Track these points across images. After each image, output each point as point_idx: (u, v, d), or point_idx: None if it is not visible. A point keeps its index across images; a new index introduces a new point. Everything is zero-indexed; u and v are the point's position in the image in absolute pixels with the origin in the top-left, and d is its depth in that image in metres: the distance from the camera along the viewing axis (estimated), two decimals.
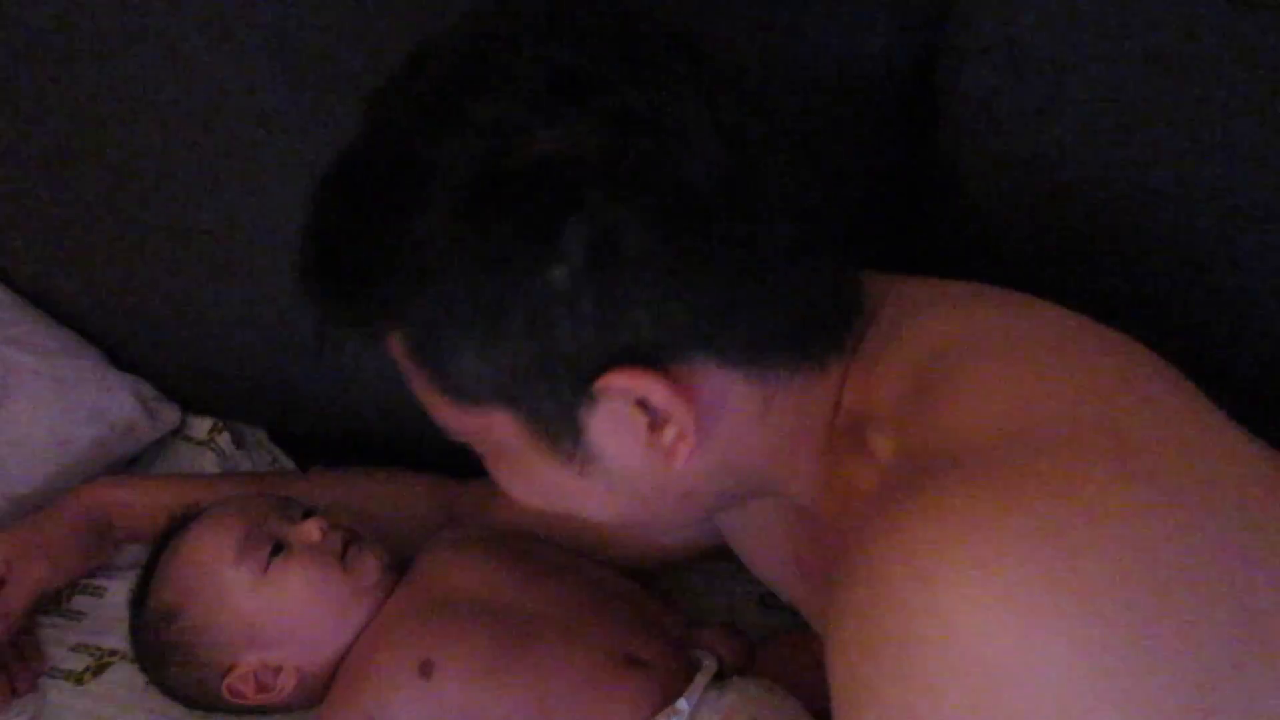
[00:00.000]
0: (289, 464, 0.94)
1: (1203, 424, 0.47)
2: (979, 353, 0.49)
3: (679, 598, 0.82)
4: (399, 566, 0.76)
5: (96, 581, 0.84)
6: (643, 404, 0.49)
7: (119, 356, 0.94)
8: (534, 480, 0.56)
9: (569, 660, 0.69)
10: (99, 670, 0.79)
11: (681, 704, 0.68)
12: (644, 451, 0.51)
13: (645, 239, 0.46)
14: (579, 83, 0.47)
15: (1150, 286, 0.68)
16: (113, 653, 0.80)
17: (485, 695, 0.68)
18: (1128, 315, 0.64)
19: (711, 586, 0.83)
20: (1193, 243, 0.66)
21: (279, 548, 0.73)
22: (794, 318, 0.51)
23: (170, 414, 0.94)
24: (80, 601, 0.83)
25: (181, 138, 0.84)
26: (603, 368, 0.48)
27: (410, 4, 0.74)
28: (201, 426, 0.94)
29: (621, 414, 0.50)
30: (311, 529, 0.73)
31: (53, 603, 0.83)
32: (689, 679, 0.69)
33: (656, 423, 0.50)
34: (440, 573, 0.75)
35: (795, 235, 0.49)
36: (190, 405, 0.95)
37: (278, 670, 0.73)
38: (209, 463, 0.92)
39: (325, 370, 0.89)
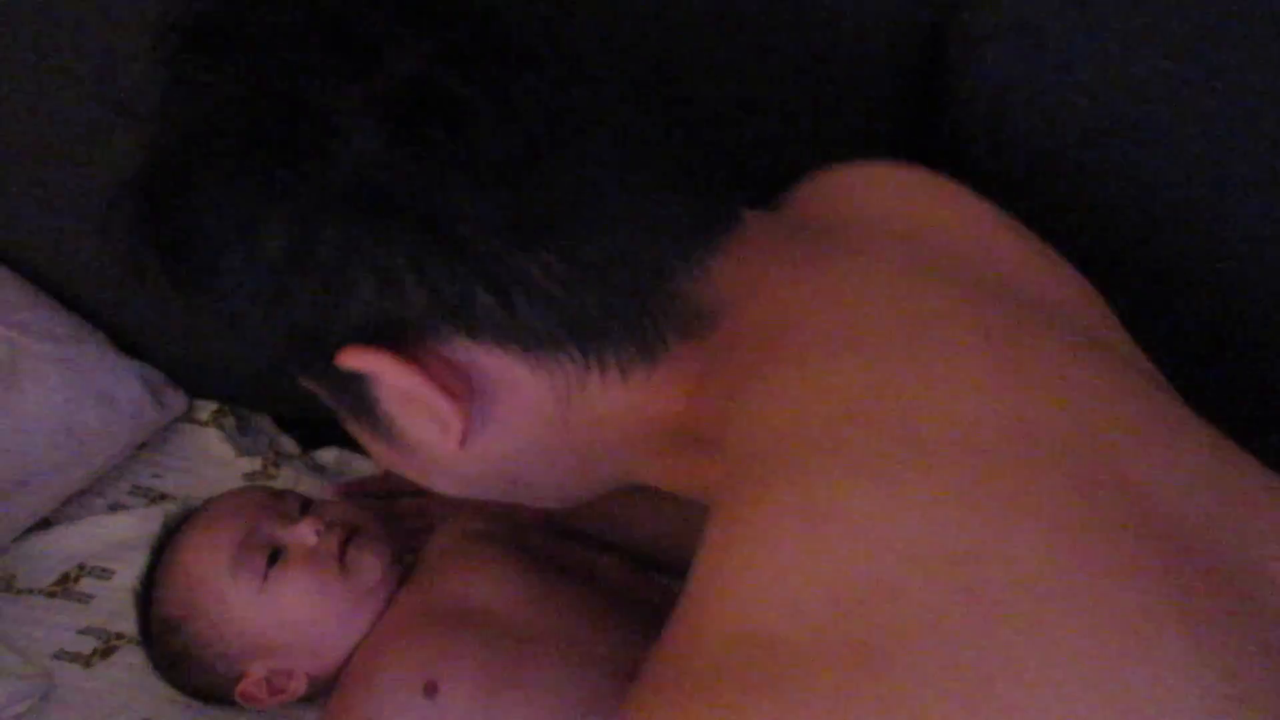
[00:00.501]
0: (293, 449, 0.94)
1: (1051, 611, 0.38)
2: (794, 477, 0.42)
3: None
4: (401, 561, 0.75)
5: (104, 565, 0.83)
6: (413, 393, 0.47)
7: (124, 343, 0.94)
8: (372, 448, 0.55)
9: (575, 680, 0.68)
10: (106, 654, 0.79)
11: None
12: (433, 431, 0.49)
13: (339, 225, 0.44)
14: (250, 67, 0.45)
15: (1163, 268, 0.68)
16: (120, 636, 0.79)
17: (490, 716, 0.67)
18: (1138, 297, 0.64)
19: None
20: (1208, 224, 0.66)
21: (275, 554, 0.72)
22: (569, 312, 0.46)
23: (177, 400, 0.93)
24: (88, 584, 0.83)
25: None
26: (340, 345, 0.46)
27: None
28: (206, 409, 0.94)
29: (400, 394, 0.48)
30: (307, 533, 0.72)
31: (59, 585, 0.83)
32: None
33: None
34: (448, 578, 0.73)
35: (546, 217, 0.45)
36: (195, 392, 0.95)
37: (289, 675, 0.72)
38: (215, 441, 0.91)
39: None
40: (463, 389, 0.47)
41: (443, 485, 0.56)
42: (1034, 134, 0.68)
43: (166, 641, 0.74)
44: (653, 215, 0.47)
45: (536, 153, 0.45)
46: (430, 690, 0.67)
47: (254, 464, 0.90)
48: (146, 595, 0.76)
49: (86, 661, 0.78)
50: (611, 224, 0.46)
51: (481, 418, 0.48)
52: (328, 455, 0.93)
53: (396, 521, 0.81)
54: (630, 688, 0.41)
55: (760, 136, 0.69)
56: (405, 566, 0.75)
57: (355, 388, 0.49)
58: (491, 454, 0.50)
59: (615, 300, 0.46)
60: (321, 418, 0.93)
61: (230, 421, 0.94)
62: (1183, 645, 0.38)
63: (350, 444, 0.91)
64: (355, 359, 0.46)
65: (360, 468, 0.92)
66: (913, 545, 0.39)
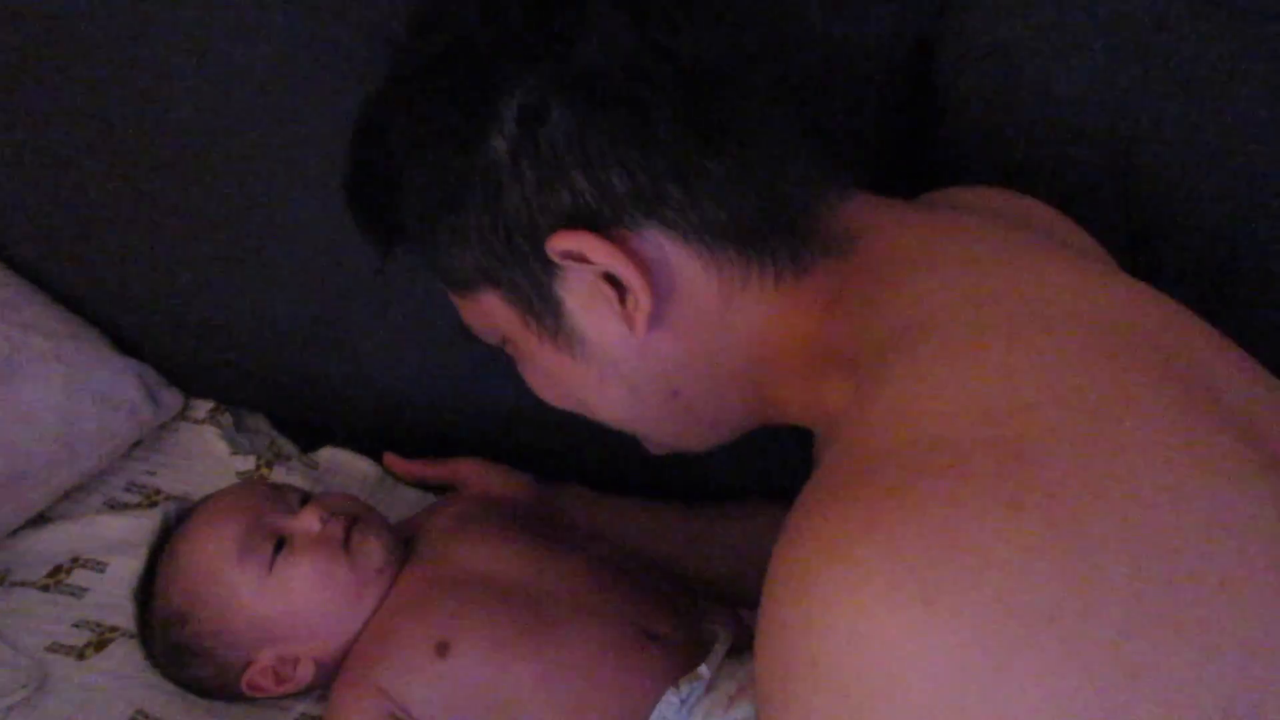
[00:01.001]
0: (290, 448, 0.95)
1: (1148, 428, 0.45)
2: (933, 338, 0.50)
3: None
4: (403, 547, 0.77)
5: (98, 557, 0.84)
6: (609, 278, 0.54)
7: (121, 342, 0.95)
8: (544, 373, 0.61)
9: (584, 636, 0.69)
10: (100, 646, 0.79)
11: (703, 669, 0.68)
12: (616, 326, 0.55)
13: (565, 115, 0.52)
14: None
15: (1145, 280, 0.70)
16: (114, 629, 0.80)
17: (501, 673, 0.68)
18: None
19: None
20: (1187, 238, 0.68)
21: (280, 543, 0.73)
22: (738, 212, 0.53)
23: (173, 399, 0.95)
24: (81, 576, 0.83)
25: (187, 125, 0.85)
26: (550, 231, 0.53)
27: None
28: (203, 407, 0.95)
29: (590, 285, 0.55)
30: (311, 520, 0.73)
31: (52, 578, 0.84)
32: (704, 653, 0.69)
33: (623, 295, 0.54)
34: (451, 552, 0.75)
35: (727, 123, 0.53)
36: (191, 391, 0.96)
37: (295, 662, 0.73)
38: (213, 439, 0.93)
39: (326, 358, 0.91)
40: (650, 275, 0.54)
41: (614, 401, 0.60)
42: (1015, 151, 0.70)
43: (171, 635, 0.74)
44: (804, 150, 0.56)
45: (725, 74, 0.53)
46: (442, 650, 0.69)
47: (248, 463, 0.91)
48: (146, 591, 0.76)
49: (80, 654, 0.79)
50: (776, 146, 0.55)
51: (660, 312, 0.55)
52: (323, 455, 0.94)
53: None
54: (796, 505, 0.46)
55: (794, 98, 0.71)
56: (401, 557, 0.76)
57: (544, 290, 0.56)
58: (663, 354, 0.57)
59: (775, 208, 0.54)
60: (317, 418, 0.96)
61: (227, 419, 0.95)
62: (1246, 475, 0.44)
63: (345, 444, 0.95)
64: (566, 240, 0.53)
65: (353, 468, 0.93)
66: (1043, 378, 0.46)
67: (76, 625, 0.81)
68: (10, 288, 0.92)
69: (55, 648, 0.79)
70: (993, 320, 0.50)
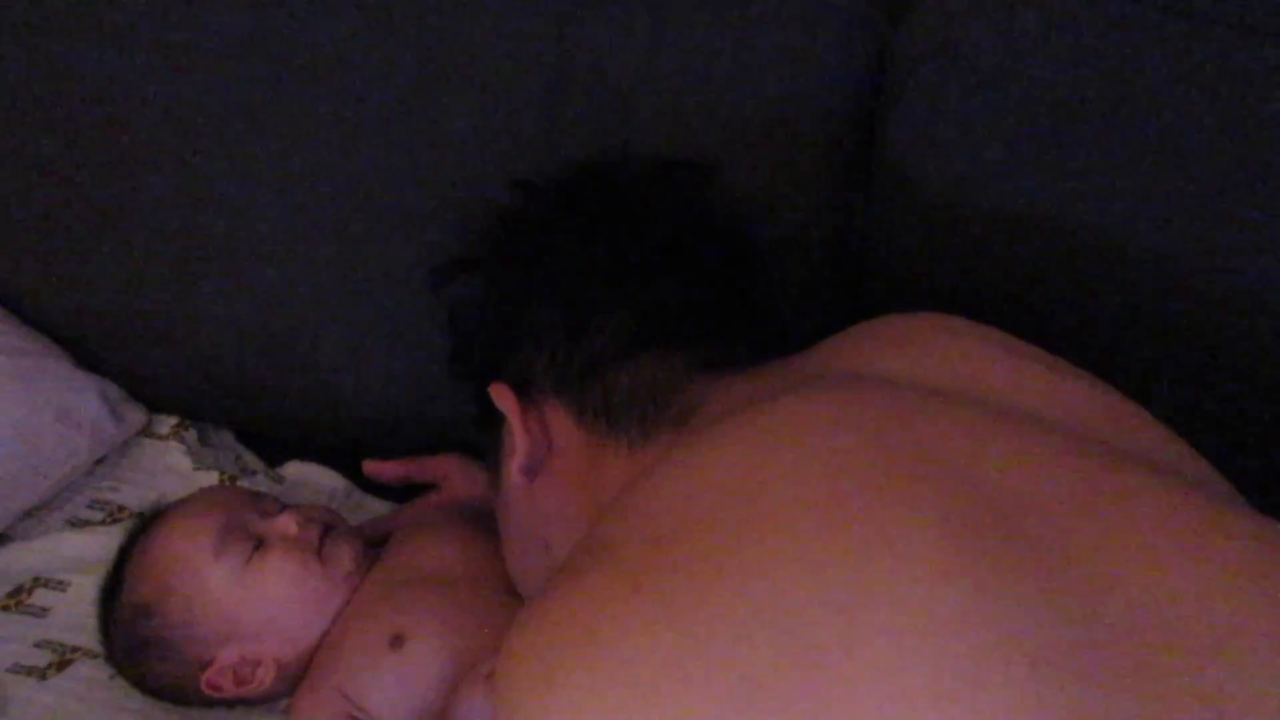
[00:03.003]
0: (256, 463, 0.94)
1: (812, 506, 0.47)
2: (690, 447, 0.54)
3: None
4: (370, 554, 0.78)
5: (59, 577, 0.83)
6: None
7: (83, 358, 0.94)
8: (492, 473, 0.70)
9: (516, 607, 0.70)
10: (62, 667, 0.79)
11: None
12: (513, 469, 0.64)
13: (536, 310, 0.66)
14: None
15: (1090, 284, 0.71)
16: (75, 649, 0.79)
17: (456, 662, 0.69)
18: (1065, 312, 0.67)
19: None
20: (1127, 236, 0.69)
21: (256, 542, 0.74)
22: (616, 392, 0.62)
23: (136, 415, 0.94)
24: (42, 596, 0.83)
25: (149, 138, 0.84)
26: (496, 376, 0.66)
27: (420, 26, 0.76)
28: (166, 423, 0.95)
29: (510, 434, 0.65)
30: (289, 523, 0.74)
31: (13, 598, 0.83)
32: None
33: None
34: (407, 551, 0.77)
35: (649, 331, 0.64)
36: (154, 407, 0.96)
37: (256, 664, 0.73)
38: (177, 455, 0.92)
39: (292, 371, 0.91)
40: (542, 437, 0.64)
41: (502, 526, 0.71)
42: (965, 150, 0.70)
43: (136, 628, 0.74)
44: (686, 356, 0.64)
45: (678, 310, 0.66)
46: (396, 642, 0.70)
47: (211, 477, 0.90)
48: (112, 589, 0.76)
49: (42, 675, 0.78)
50: (668, 357, 0.64)
51: (547, 466, 0.64)
52: (290, 469, 0.94)
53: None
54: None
55: (703, 153, 0.72)
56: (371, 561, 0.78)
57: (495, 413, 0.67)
58: (540, 502, 0.65)
59: (655, 401, 0.62)
60: (283, 432, 0.96)
61: (191, 435, 0.94)
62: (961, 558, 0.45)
63: (311, 457, 0.94)
64: (497, 391, 0.66)
65: (319, 482, 0.93)
66: (710, 478, 0.50)
67: (38, 645, 0.80)
68: None
69: (17, 668, 0.79)
70: (734, 431, 0.54)
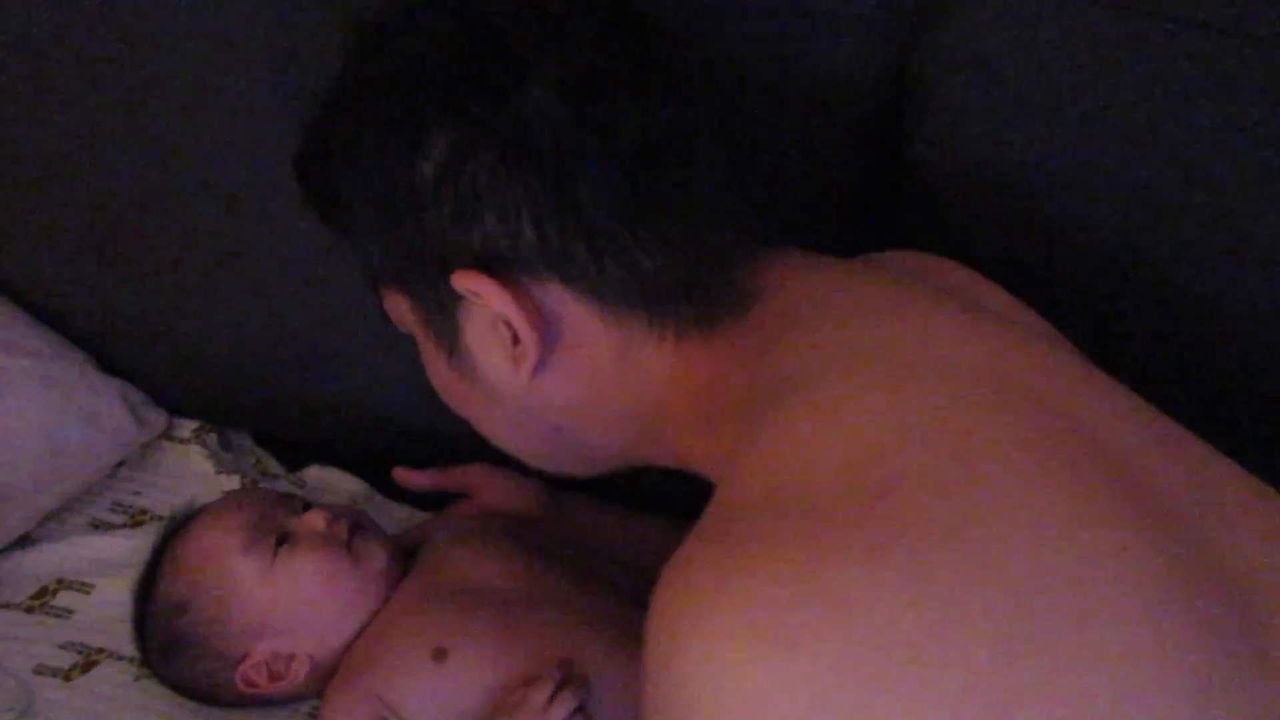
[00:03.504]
0: (276, 467, 0.95)
1: (1012, 475, 0.46)
2: (803, 390, 0.51)
3: None
4: (404, 557, 0.78)
5: (84, 579, 0.84)
6: (505, 320, 0.56)
7: (106, 361, 0.95)
8: (438, 378, 0.63)
9: (580, 644, 0.70)
10: (87, 668, 0.79)
11: None
12: (505, 364, 0.57)
13: (489, 161, 0.54)
14: (468, 21, 0.56)
15: (1115, 292, 0.71)
16: (100, 650, 0.80)
17: (498, 680, 0.69)
18: (1091, 320, 0.68)
19: None
20: (1145, 244, 0.70)
21: (284, 538, 0.74)
22: (646, 276, 0.55)
23: (157, 419, 0.95)
24: (67, 598, 0.83)
25: (172, 145, 0.85)
26: (458, 265, 0.55)
27: None
28: (187, 426, 0.95)
29: (486, 322, 0.57)
30: (316, 519, 0.75)
31: (37, 600, 0.83)
32: None
33: (516, 339, 0.56)
34: (450, 563, 0.76)
35: (648, 196, 0.55)
36: (176, 410, 0.96)
37: (290, 658, 0.74)
38: (198, 458, 0.93)
39: (311, 375, 0.91)
40: (543, 326, 0.56)
41: (495, 426, 0.64)
42: (990, 163, 0.71)
43: (169, 625, 0.75)
44: (723, 214, 0.58)
45: (658, 149, 0.55)
46: (440, 656, 0.70)
47: (233, 481, 0.91)
48: (147, 586, 0.77)
49: (66, 676, 0.79)
50: (694, 213, 0.56)
51: (551, 359, 0.57)
52: (310, 474, 0.94)
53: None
54: (674, 553, 0.46)
55: (731, 165, 0.73)
56: (403, 564, 0.78)
57: (447, 311, 0.58)
58: (549, 397, 0.58)
59: (687, 275, 0.56)
60: (303, 436, 0.96)
61: (213, 439, 0.95)
62: (1119, 513, 0.46)
63: (333, 462, 0.95)
64: (466, 280, 0.55)
65: (340, 486, 0.93)
66: (906, 423, 0.48)
67: (63, 647, 0.80)
68: None
69: (42, 669, 0.79)
70: (862, 370, 0.52)
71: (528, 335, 0.55)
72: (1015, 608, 0.42)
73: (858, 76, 0.73)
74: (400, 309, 0.62)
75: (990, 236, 0.72)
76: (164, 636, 0.75)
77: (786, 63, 0.73)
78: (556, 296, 0.56)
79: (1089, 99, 0.68)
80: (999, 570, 0.42)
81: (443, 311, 0.58)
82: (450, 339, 0.59)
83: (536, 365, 0.56)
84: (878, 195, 0.78)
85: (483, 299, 0.55)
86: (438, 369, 0.62)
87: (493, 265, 0.55)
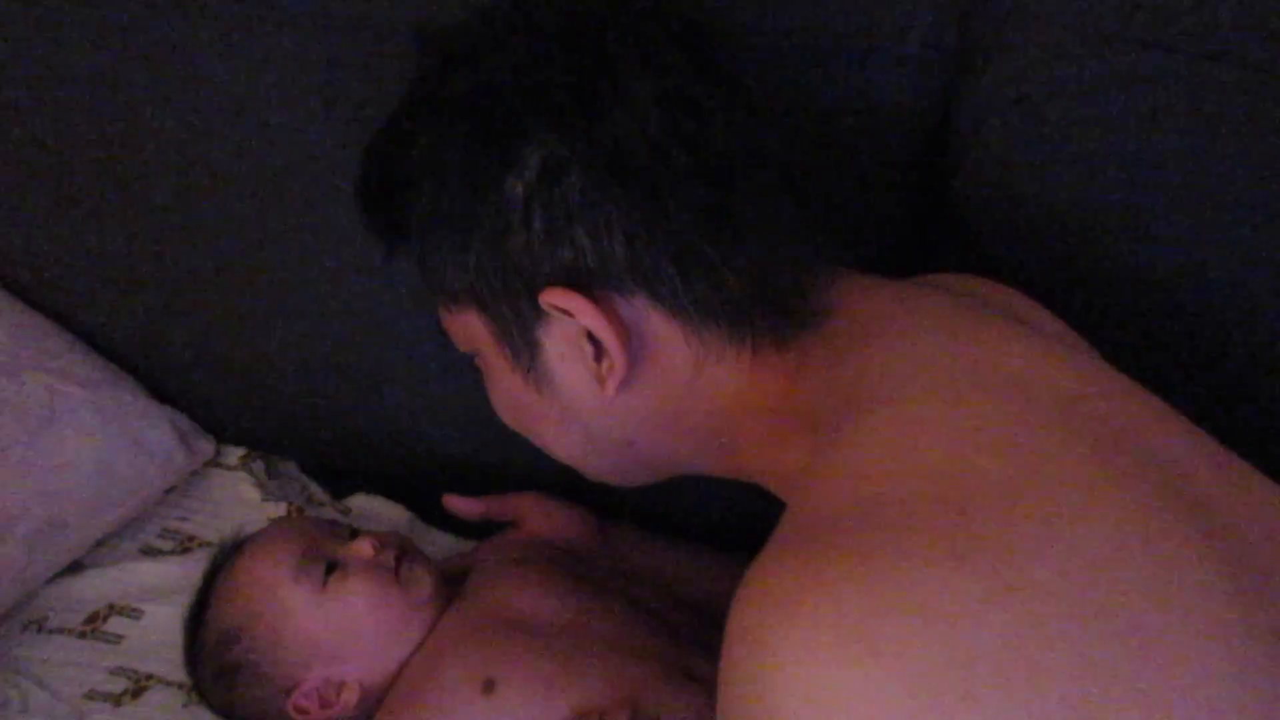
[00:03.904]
0: (321, 495, 0.96)
1: (1083, 487, 0.47)
2: (882, 403, 0.52)
3: None
4: (451, 583, 0.78)
5: (134, 604, 0.85)
6: (590, 336, 0.56)
7: (155, 389, 0.96)
8: (507, 397, 0.63)
9: (626, 675, 0.70)
10: (137, 693, 0.80)
11: None
12: (586, 379, 0.58)
13: (584, 178, 0.54)
14: (563, 40, 0.56)
15: (1157, 331, 0.72)
16: (149, 676, 0.81)
17: (547, 712, 0.69)
18: (1127, 351, 0.67)
19: None
20: (1191, 288, 0.70)
21: (333, 566, 0.75)
22: (728, 293, 0.56)
23: (205, 446, 0.96)
24: (118, 623, 0.84)
25: (222, 174, 0.87)
26: (546, 282, 0.55)
27: None
28: (234, 454, 0.97)
29: (571, 338, 0.57)
30: (364, 546, 0.76)
31: (89, 625, 0.85)
32: None
33: (600, 354, 0.57)
34: (498, 592, 0.77)
35: (733, 213, 0.56)
36: (223, 437, 0.98)
37: (340, 686, 0.74)
38: (245, 486, 0.94)
39: (358, 405, 0.92)
40: (629, 341, 0.56)
41: (567, 441, 0.64)
42: (1033, 200, 0.71)
43: (222, 655, 0.76)
44: (801, 233, 0.59)
45: (739, 165, 0.56)
46: (488, 688, 0.70)
47: (279, 509, 0.92)
48: (198, 615, 0.78)
49: (117, 701, 0.80)
50: (774, 232, 0.58)
51: (632, 374, 0.57)
52: (355, 502, 0.96)
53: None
54: (755, 559, 0.47)
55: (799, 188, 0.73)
56: (449, 591, 0.78)
57: (527, 327, 0.58)
58: (628, 410, 0.59)
59: (764, 291, 0.57)
60: (349, 465, 0.97)
61: (259, 466, 0.96)
62: (1193, 539, 0.46)
63: (376, 490, 0.95)
64: (559, 297, 0.55)
65: (385, 515, 0.94)
66: (984, 437, 0.48)
67: (113, 672, 0.82)
68: (49, 337, 0.94)
69: (93, 695, 0.80)
70: (938, 385, 0.52)
71: (616, 351, 0.56)
72: (1095, 619, 0.42)
73: (904, 113, 0.74)
74: (470, 327, 0.61)
75: (1032, 273, 0.73)
76: (216, 665, 0.76)
77: (835, 99, 0.74)
78: (641, 312, 0.56)
79: (1132, 138, 0.68)
80: (1081, 584, 0.43)
81: (522, 328, 0.58)
82: (529, 355, 0.59)
83: (621, 382, 0.57)
84: (923, 229, 0.79)
85: (573, 316, 0.55)
86: (509, 386, 0.61)
87: (580, 280, 0.55)
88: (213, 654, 0.76)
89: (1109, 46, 0.67)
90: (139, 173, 0.88)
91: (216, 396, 0.97)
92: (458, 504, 0.87)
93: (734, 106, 0.57)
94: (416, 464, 0.94)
